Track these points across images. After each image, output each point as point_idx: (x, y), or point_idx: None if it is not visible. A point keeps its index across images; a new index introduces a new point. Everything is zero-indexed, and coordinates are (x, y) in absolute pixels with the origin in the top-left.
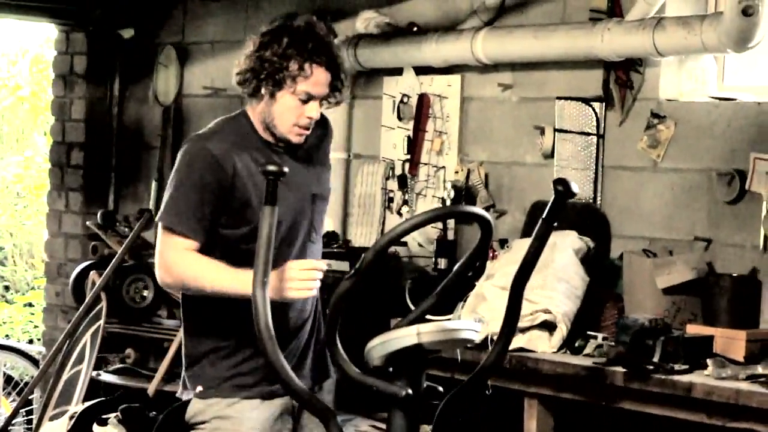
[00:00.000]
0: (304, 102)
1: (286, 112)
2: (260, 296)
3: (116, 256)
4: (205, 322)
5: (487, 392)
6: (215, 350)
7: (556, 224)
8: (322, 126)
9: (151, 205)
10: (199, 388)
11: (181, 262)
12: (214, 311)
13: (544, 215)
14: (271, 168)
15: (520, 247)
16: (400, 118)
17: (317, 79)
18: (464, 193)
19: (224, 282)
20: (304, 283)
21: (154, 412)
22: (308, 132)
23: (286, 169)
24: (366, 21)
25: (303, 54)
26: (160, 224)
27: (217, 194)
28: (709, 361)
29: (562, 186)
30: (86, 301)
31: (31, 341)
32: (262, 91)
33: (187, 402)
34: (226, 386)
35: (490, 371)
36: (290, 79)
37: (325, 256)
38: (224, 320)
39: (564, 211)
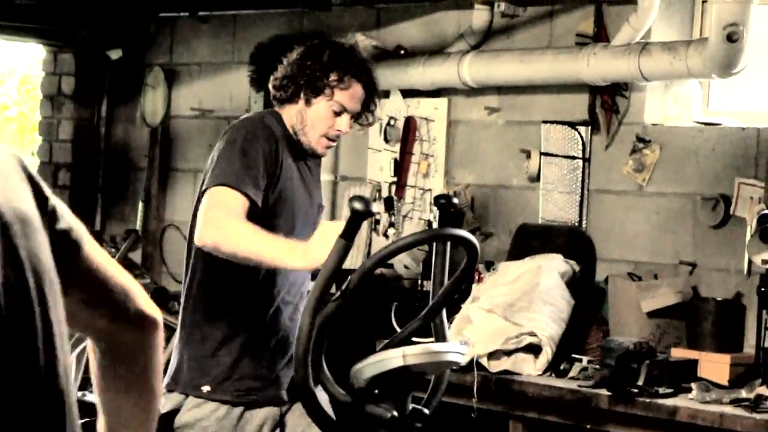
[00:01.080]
0: (337, 114)
1: (319, 121)
2: (307, 323)
3: None
4: (210, 324)
5: (472, 415)
6: (218, 351)
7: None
8: None
9: (138, 226)
10: (206, 389)
11: (232, 219)
12: (220, 315)
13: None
14: (358, 206)
15: (506, 269)
16: (386, 141)
17: (354, 93)
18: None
19: (274, 248)
20: None
21: None
22: (333, 144)
23: (375, 210)
24: (354, 44)
25: (345, 67)
26: (213, 185)
27: (270, 169)
28: (693, 385)
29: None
30: None
31: None
32: (299, 96)
33: (175, 411)
34: (227, 387)
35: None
36: (329, 88)
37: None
38: (230, 324)
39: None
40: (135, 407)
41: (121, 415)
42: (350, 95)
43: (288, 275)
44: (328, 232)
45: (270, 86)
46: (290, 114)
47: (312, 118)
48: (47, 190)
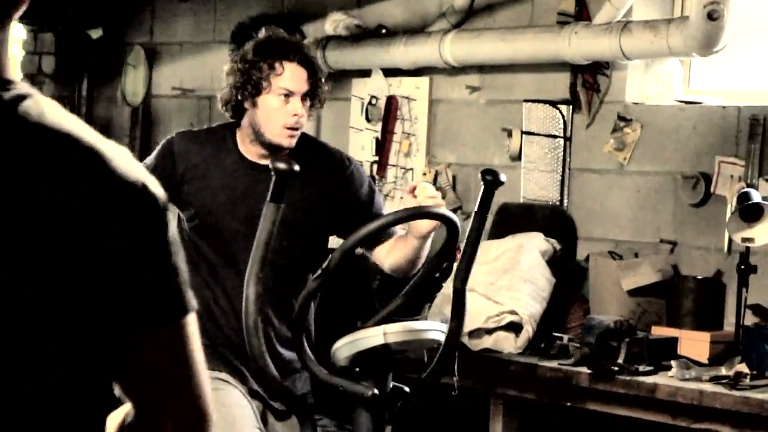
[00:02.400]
0: (286, 99)
1: (272, 113)
2: (253, 292)
3: None
4: None
5: (453, 393)
6: None
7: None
8: (340, 164)
9: None
10: None
11: None
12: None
13: (476, 207)
14: (280, 165)
15: (488, 248)
16: (368, 120)
17: (291, 74)
18: None
19: None
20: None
21: None
22: (297, 133)
23: (296, 168)
24: (335, 23)
25: (272, 54)
26: None
27: (164, 181)
28: (673, 363)
29: (491, 176)
30: None
31: None
32: (244, 103)
33: None
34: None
35: (440, 370)
36: (264, 81)
37: None
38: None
39: (492, 199)
40: None
41: None
42: (289, 77)
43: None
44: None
45: (220, 108)
46: (246, 124)
47: (264, 114)
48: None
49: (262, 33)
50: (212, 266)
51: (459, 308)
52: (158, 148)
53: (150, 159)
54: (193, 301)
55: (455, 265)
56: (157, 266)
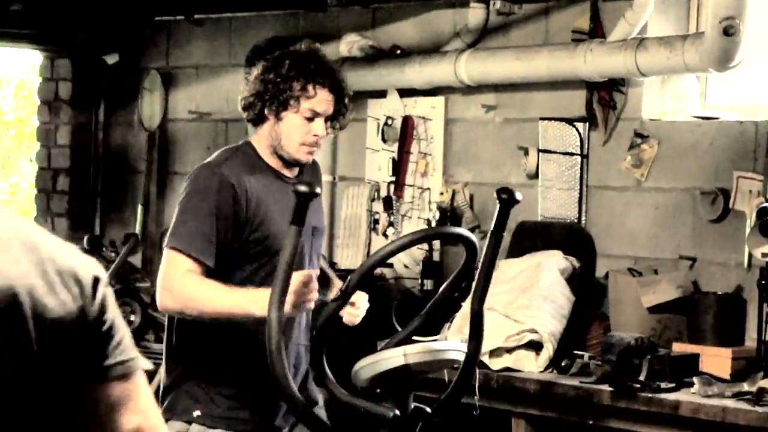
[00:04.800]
0: (310, 120)
1: (293, 130)
2: (275, 317)
3: None
4: (202, 350)
5: (474, 413)
6: (212, 379)
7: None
8: (312, 166)
9: (138, 230)
10: (197, 413)
11: (189, 283)
12: (215, 339)
13: (492, 227)
14: (302, 188)
15: (507, 267)
16: (384, 141)
17: (320, 99)
18: (449, 214)
19: (235, 301)
20: (302, 296)
21: None
22: (316, 150)
23: (318, 190)
24: (350, 44)
25: (306, 76)
26: (168, 247)
27: (231, 220)
28: (695, 379)
29: (506, 194)
30: None
31: None
32: (267, 113)
33: None
34: (222, 416)
35: (460, 391)
36: (294, 100)
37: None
38: (226, 350)
39: (507, 218)
40: None
41: None
42: (317, 101)
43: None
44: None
45: (240, 108)
46: (264, 135)
47: (286, 130)
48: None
49: (302, 45)
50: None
51: (477, 329)
52: (212, 190)
53: (210, 202)
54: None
55: (474, 285)
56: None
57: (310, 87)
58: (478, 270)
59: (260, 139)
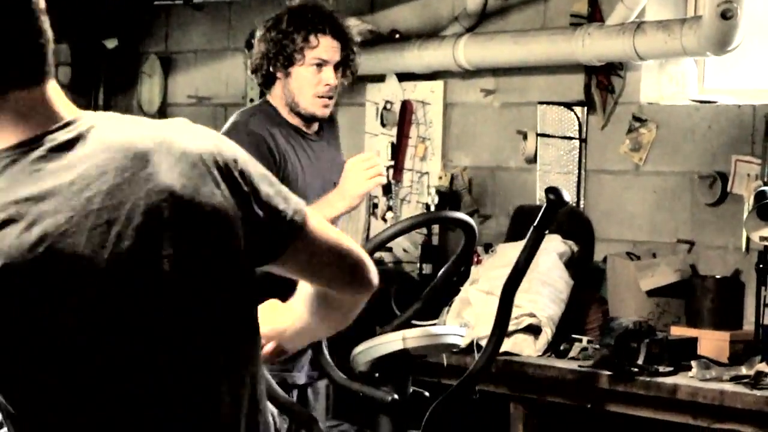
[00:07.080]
0: (319, 69)
1: (305, 84)
2: None
3: None
4: None
5: (474, 397)
6: None
7: (546, 232)
8: (330, 120)
9: None
10: None
11: None
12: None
13: (535, 223)
14: (553, 197)
15: (505, 251)
16: (383, 125)
17: (324, 46)
18: (448, 198)
19: (320, 206)
20: (373, 171)
21: None
22: (331, 102)
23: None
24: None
25: (306, 26)
26: None
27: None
28: (693, 363)
29: (554, 195)
30: None
31: None
32: (276, 71)
33: None
34: None
35: (478, 376)
36: (298, 53)
37: None
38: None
39: (554, 220)
40: (323, 328)
41: (311, 326)
42: (322, 49)
43: None
44: (350, 168)
45: (250, 73)
46: (279, 94)
47: (297, 85)
48: (245, 176)
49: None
50: None
51: (504, 318)
52: (247, 146)
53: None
54: (301, 208)
55: (472, 269)
56: (265, 202)
57: (311, 37)
58: (513, 265)
59: (276, 99)
